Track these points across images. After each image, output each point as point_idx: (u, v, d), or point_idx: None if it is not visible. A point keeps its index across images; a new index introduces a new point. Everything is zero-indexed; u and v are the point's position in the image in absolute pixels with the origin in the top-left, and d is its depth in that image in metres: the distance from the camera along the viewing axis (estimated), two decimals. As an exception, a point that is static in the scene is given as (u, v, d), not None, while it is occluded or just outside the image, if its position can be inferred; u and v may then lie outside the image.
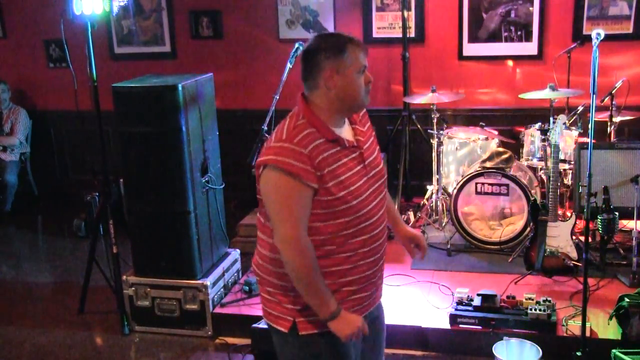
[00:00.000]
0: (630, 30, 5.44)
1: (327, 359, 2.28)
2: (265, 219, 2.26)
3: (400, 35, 5.64)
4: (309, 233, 2.17)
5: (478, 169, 4.68)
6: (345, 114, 2.28)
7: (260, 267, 2.32)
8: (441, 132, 5.04)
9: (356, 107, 2.28)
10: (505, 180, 4.61)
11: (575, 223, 4.12)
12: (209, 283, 4.04)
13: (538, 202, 4.18)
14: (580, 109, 4.88)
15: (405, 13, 5.57)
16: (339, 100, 2.21)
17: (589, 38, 3.46)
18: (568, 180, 4.83)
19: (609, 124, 4.86)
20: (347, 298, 2.26)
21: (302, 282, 2.18)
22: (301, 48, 4.18)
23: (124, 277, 4.15)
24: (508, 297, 3.79)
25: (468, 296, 3.80)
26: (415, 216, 5.27)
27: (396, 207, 5.14)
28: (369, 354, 2.48)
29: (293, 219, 2.13)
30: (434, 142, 5.08)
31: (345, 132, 2.27)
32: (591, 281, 3.93)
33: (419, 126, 5.53)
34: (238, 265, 4.57)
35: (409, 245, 2.59)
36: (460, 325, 3.71)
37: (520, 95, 5.03)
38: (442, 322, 3.77)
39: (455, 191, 4.72)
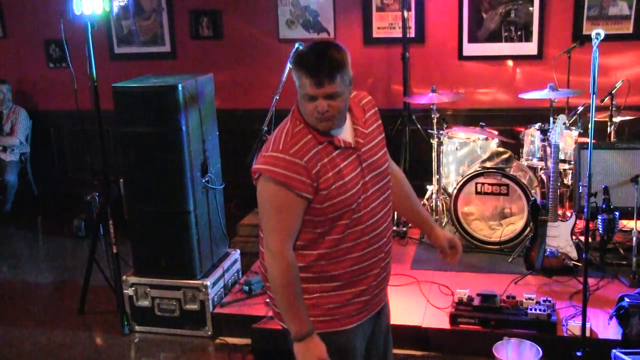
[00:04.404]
0: (630, 30, 5.43)
1: (332, 358, 2.28)
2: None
3: (400, 35, 5.64)
4: (312, 241, 2.17)
5: (478, 169, 4.68)
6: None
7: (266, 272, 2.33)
8: (441, 132, 5.04)
9: (313, 127, 2.15)
10: (505, 180, 4.61)
11: (575, 223, 4.12)
12: (209, 283, 4.04)
13: (538, 202, 4.18)
14: (580, 109, 4.88)
15: (405, 13, 5.57)
16: None
17: (589, 38, 3.45)
18: (568, 180, 4.83)
19: (609, 124, 4.85)
20: (350, 300, 2.26)
21: (278, 294, 2.20)
22: (301, 48, 4.22)
23: (124, 277, 4.15)
24: (508, 297, 3.78)
25: (468, 296, 3.80)
26: (415, 216, 5.25)
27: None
28: None
29: (281, 231, 2.15)
30: (434, 142, 5.08)
31: (345, 132, 2.22)
32: (591, 281, 3.92)
33: (419, 126, 5.53)
34: (238, 265, 4.57)
35: (445, 249, 2.57)
36: (460, 325, 3.71)
37: (520, 95, 5.03)
38: (442, 322, 3.77)
39: (455, 191, 4.72)
